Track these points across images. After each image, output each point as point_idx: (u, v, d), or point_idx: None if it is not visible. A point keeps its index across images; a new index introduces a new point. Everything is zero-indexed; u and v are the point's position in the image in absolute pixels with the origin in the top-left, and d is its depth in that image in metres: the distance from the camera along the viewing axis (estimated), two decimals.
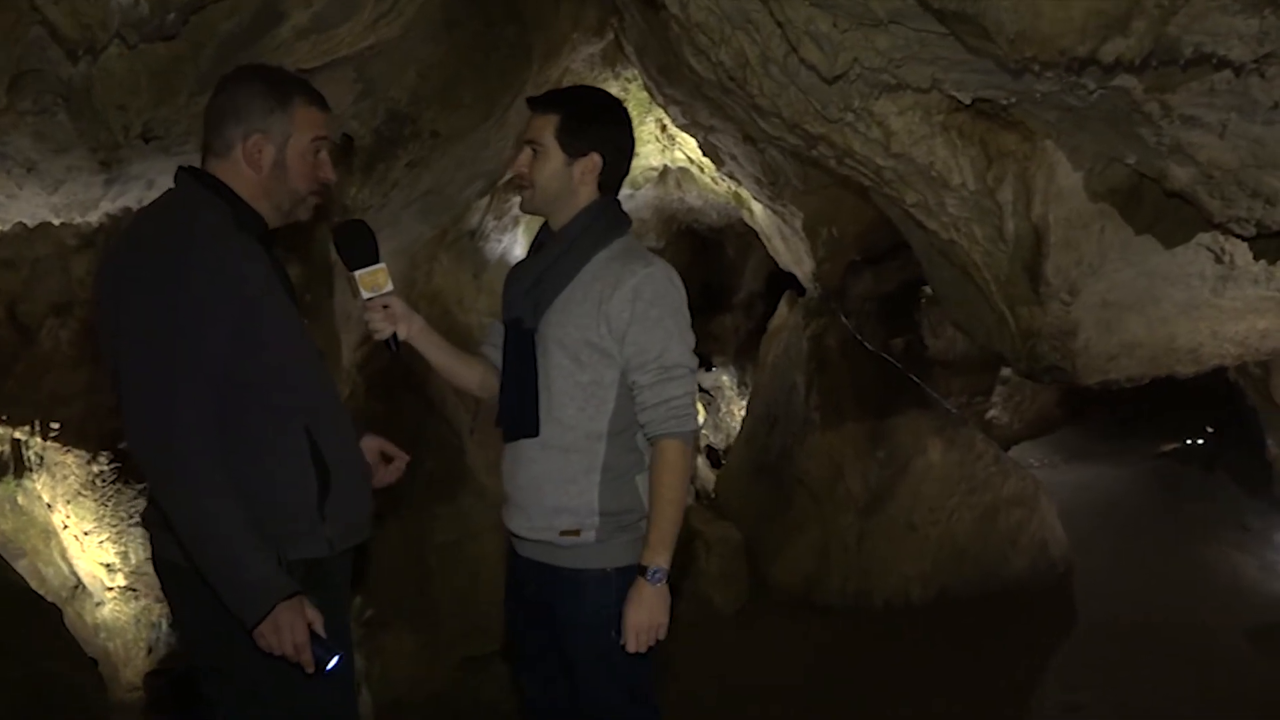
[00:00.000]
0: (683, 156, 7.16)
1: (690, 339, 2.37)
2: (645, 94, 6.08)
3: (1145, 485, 7.87)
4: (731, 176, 6.37)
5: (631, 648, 2.28)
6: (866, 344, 6.86)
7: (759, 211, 6.93)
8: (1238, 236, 3.66)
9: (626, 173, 2.55)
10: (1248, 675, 4.84)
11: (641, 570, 2.28)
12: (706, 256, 9.92)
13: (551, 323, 2.34)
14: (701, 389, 10.29)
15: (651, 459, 2.34)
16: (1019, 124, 3.54)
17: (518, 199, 2.87)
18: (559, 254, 2.39)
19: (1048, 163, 3.60)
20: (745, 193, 6.67)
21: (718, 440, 9.83)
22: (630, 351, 2.29)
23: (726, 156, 5.97)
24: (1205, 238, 3.72)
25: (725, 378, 10.28)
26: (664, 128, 6.84)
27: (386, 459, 2.56)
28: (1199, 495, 7.52)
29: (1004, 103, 3.38)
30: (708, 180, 7.26)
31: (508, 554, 2.58)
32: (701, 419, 10.21)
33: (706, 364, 10.20)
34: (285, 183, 2.22)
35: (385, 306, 2.34)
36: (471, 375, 2.55)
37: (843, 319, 6.71)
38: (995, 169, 3.61)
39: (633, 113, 7.06)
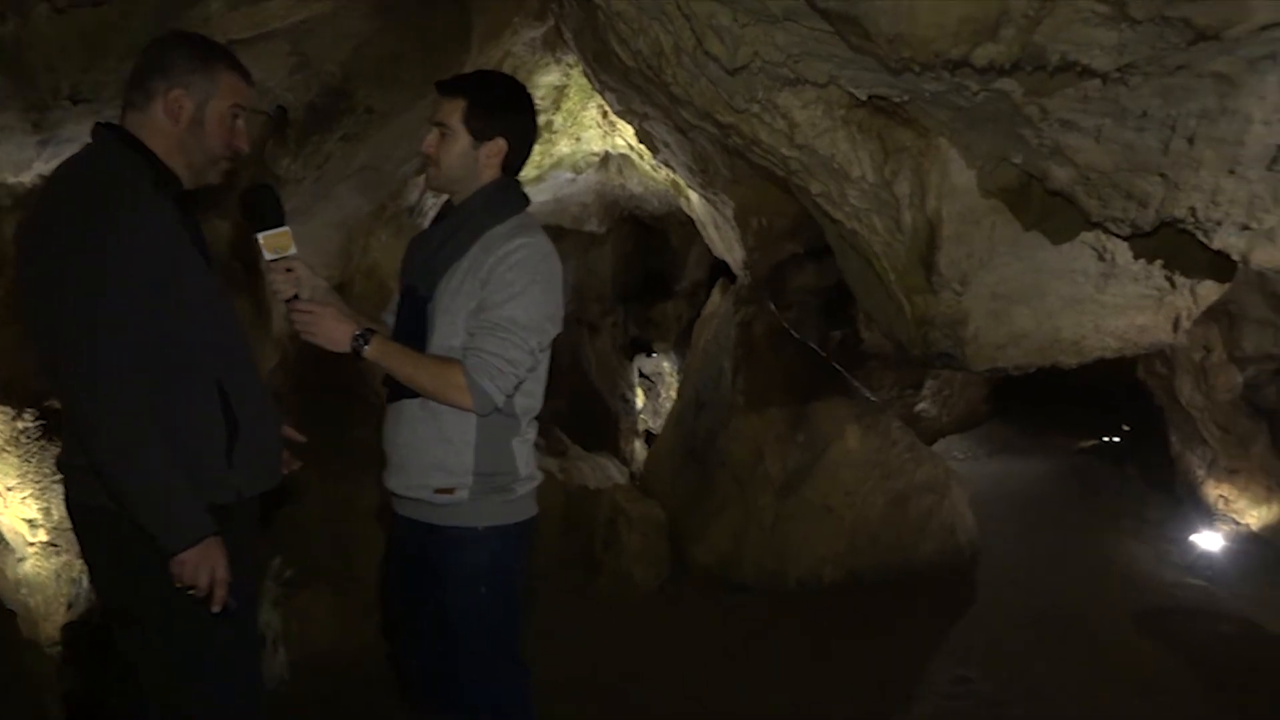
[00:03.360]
0: (623, 143, 7.30)
1: (537, 314, 2.41)
2: (586, 79, 6.22)
3: (1060, 479, 8.17)
4: (667, 164, 6.53)
5: (300, 310, 2.39)
6: (795, 333, 7.06)
7: (695, 200, 7.10)
8: (1117, 236, 3.90)
9: (528, 156, 2.70)
10: (1131, 656, 5.09)
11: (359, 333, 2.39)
12: (650, 244, 10.10)
13: (443, 291, 2.47)
14: (642, 374, 10.49)
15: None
16: (914, 121, 3.74)
17: None
18: (457, 227, 2.54)
19: (941, 159, 3.80)
20: (682, 181, 6.83)
21: (657, 425, 10.02)
22: (480, 305, 2.41)
23: (660, 144, 6.13)
24: (1088, 236, 3.95)
25: (666, 364, 10.48)
26: (605, 113, 6.97)
27: (290, 445, 2.64)
28: (1107, 489, 7.83)
29: (898, 100, 3.58)
30: (647, 168, 7.42)
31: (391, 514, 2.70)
32: (641, 404, 10.40)
33: (647, 350, 10.39)
34: (201, 141, 2.32)
35: (289, 270, 2.45)
36: None
37: (771, 307, 6.91)
38: (892, 163, 3.81)
39: (574, 98, 7.22)
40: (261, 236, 2.45)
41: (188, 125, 2.29)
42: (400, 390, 2.50)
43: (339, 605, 4.86)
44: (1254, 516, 6.66)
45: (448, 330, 2.44)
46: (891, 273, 4.13)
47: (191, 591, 2.14)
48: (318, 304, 2.43)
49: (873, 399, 6.97)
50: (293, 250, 2.48)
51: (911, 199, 3.89)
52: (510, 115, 2.57)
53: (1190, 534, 6.74)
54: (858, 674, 4.85)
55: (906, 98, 3.56)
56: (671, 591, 6.02)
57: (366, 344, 2.38)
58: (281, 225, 2.47)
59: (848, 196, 4.00)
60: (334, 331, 2.39)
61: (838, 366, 6.96)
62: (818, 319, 8.85)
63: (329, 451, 4.89)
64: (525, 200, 2.63)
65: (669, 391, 10.28)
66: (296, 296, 2.48)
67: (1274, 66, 3.06)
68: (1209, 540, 6.63)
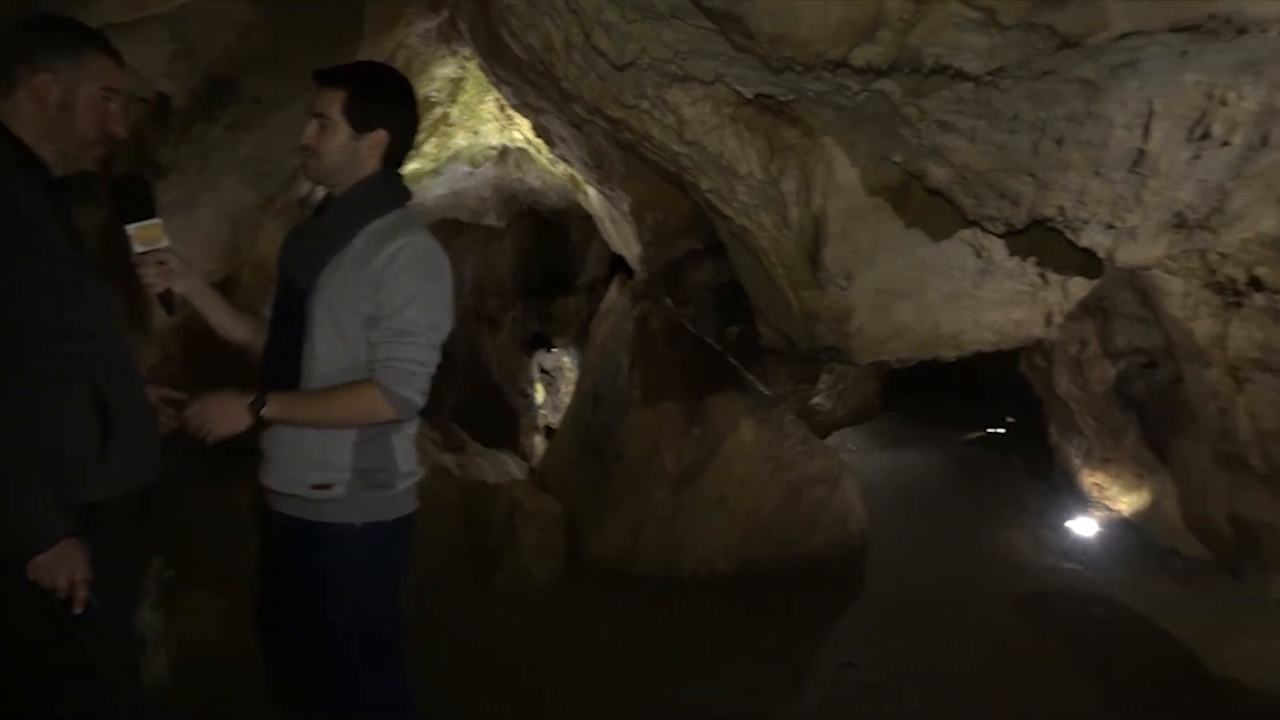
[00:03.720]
0: (521, 137, 7.28)
1: (437, 313, 2.44)
2: (482, 73, 6.18)
3: (947, 469, 8.44)
4: (564, 159, 6.54)
5: (189, 418, 2.36)
6: (692, 328, 7.14)
7: (593, 195, 7.12)
8: (992, 233, 4.05)
9: (411, 148, 2.67)
10: (1009, 639, 5.29)
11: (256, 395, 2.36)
12: (550, 239, 10.09)
13: (322, 285, 2.41)
14: (542, 370, 10.46)
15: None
16: (800, 120, 3.82)
17: None
18: (337, 219, 2.50)
19: (826, 158, 3.90)
20: (579, 176, 6.85)
21: (557, 420, 10.02)
22: (374, 311, 2.38)
23: (557, 139, 6.14)
24: (966, 234, 4.09)
25: (566, 359, 10.48)
26: (502, 107, 6.94)
27: (171, 404, 2.58)
28: (991, 478, 8.12)
29: (784, 99, 3.66)
30: (545, 162, 7.41)
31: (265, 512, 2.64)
32: (541, 399, 10.38)
33: (547, 345, 10.37)
34: (72, 126, 2.24)
35: (161, 263, 2.39)
36: (242, 331, 2.64)
37: (667, 302, 6.97)
38: (779, 161, 3.89)
39: (471, 91, 7.15)
40: (131, 228, 2.38)
41: (56, 110, 2.22)
42: (275, 385, 2.46)
43: (224, 606, 4.74)
44: (1125, 503, 6.97)
45: (326, 323, 2.41)
46: (780, 268, 4.22)
47: (51, 593, 2.08)
48: (199, 398, 2.38)
49: (768, 393, 7.09)
50: (165, 243, 2.41)
51: (798, 196, 3.97)
52: (391, 107, 2.54)
53: (1066, 520, 7.03)
54: (750, 664, 4.93)
55: (791, 97, 3.63)
56: (569, 586, 6.03)
57: (264, 406, 2.35)
58: (153, 217, 2.40)
59: (737, 193, 4.06)
60: (228, 415, 2.35)
61: (733, 361, 7.05)
62: (715, 314, 8.94)
63: (214, 450, 4.79)
64: (407, 194, 2.60)
65: (569, 386, 10.28)
66: (169, 290, 2.42)
67: (1133, 74, 3.22)
68: (1084, 526, 6.93)
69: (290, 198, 6.22)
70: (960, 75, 3.15)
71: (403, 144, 2.59)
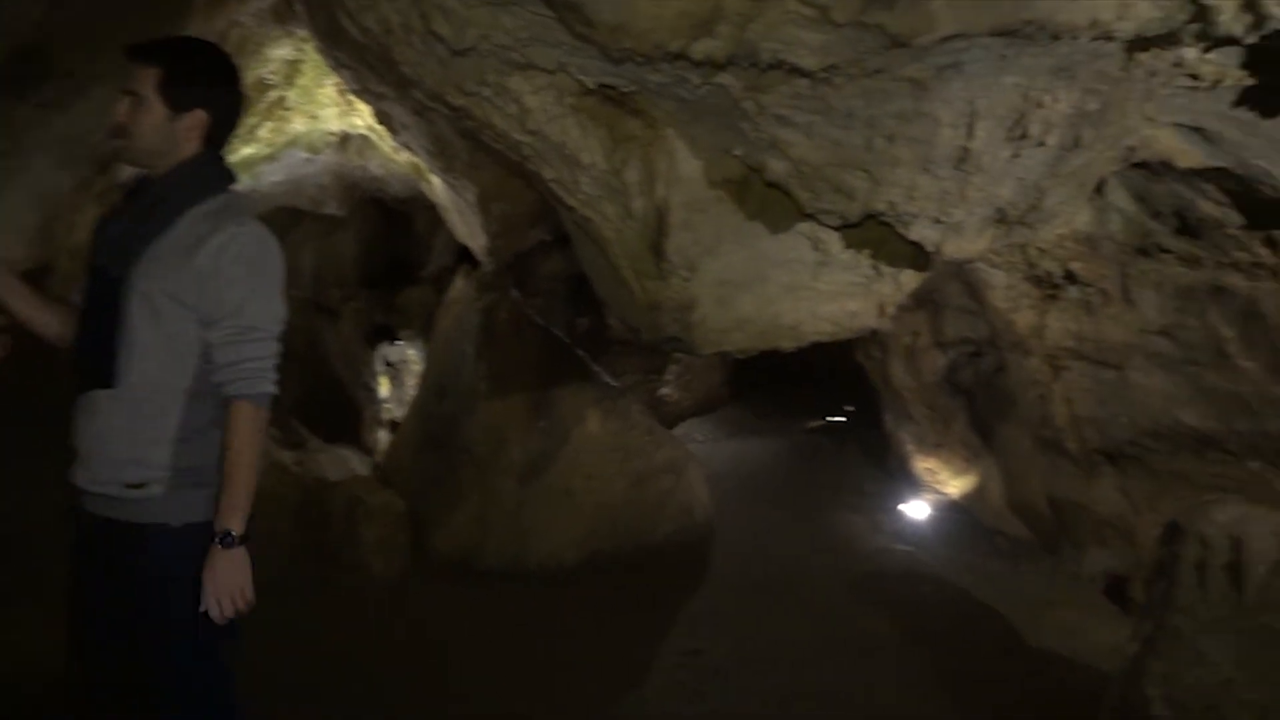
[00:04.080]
0: (362, 123, 7.07)
1: (277, 304, 2.36)
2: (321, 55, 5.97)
3: (790, 457, 8.68)
4: (407, 147, 6.38)
5: (215, 615, 2.27)
6: (541, 320, 7.11)
7: (438, 184, 6.99)
8: (828, 226, 4.17)
9: (233, 130, 2.54)
10: (845, 618, 5.49)
11: (214, 536, 2.29)
12: (394, 228, 9.86)
13: (139, 274, 2.27)
14: (387, 363, 10.21)
15: (225, 420, 2.33)
16: (643, 112, 3.83)
17: None
18: (154, 204, 2.35)
19: (669, 149, 3.92)
20: (423, 164, 6.70)
21: (401, 414, 9.80)
22: (208, 308, 2.28)
23: (399, 126, 5.99)
24: (804, 227, 4.19)
25: (411, 352, 10.25)
26: (343, 91, 6.72)
27: None
28: (831, 466, 8.40)
29: (626, 90, 3.66)
30: (388, 149, 7.22)
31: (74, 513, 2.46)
32: (385, 392, 10.13)
33: (392, 337, 10.13)
34: None
35: None
36: (52, 324, 2.47)
37: (514, 293, 6.92)
38: (621, 151, 3.89)
39: (309, 74, 6.90)
40: None
41: None
42: (90, 379, 2.30)
43: (46, 620, 4.45)
44: (954, 486, 7.32)
45: (143, 313, 2.27)
46: (623, 259, 4.23)
47: None
48: (205, 591, 2.29)
49: (616, 384, 7.12)
50: None
51: (641, 187, 3.99)
52: (211, 86, 2.41)
53: (900, 504, 7.34)
54: (598, 653, 4.96)
55: (634, 88, 3.64)
56: (414, 582, 5.92)
57: (233, 533, 2.30)
58: None
59: (580, 183, 4.05)
60: (235, 577, 2.31)
61: (581, 353, 7.06)
62: (564, 306, 8.95)
63: (32, 454, 4.49)
64: (230, 177, 2.47)
65: (414, 380, 10.08)
66: None
67: (958, 75, 3.36)
68: (916, 509, 7.25)
69: (110, 180, 5.87)
70: (796, 71, 3.22)
71: (224, 125, 2.47)
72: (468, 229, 7.07)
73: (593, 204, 4.13)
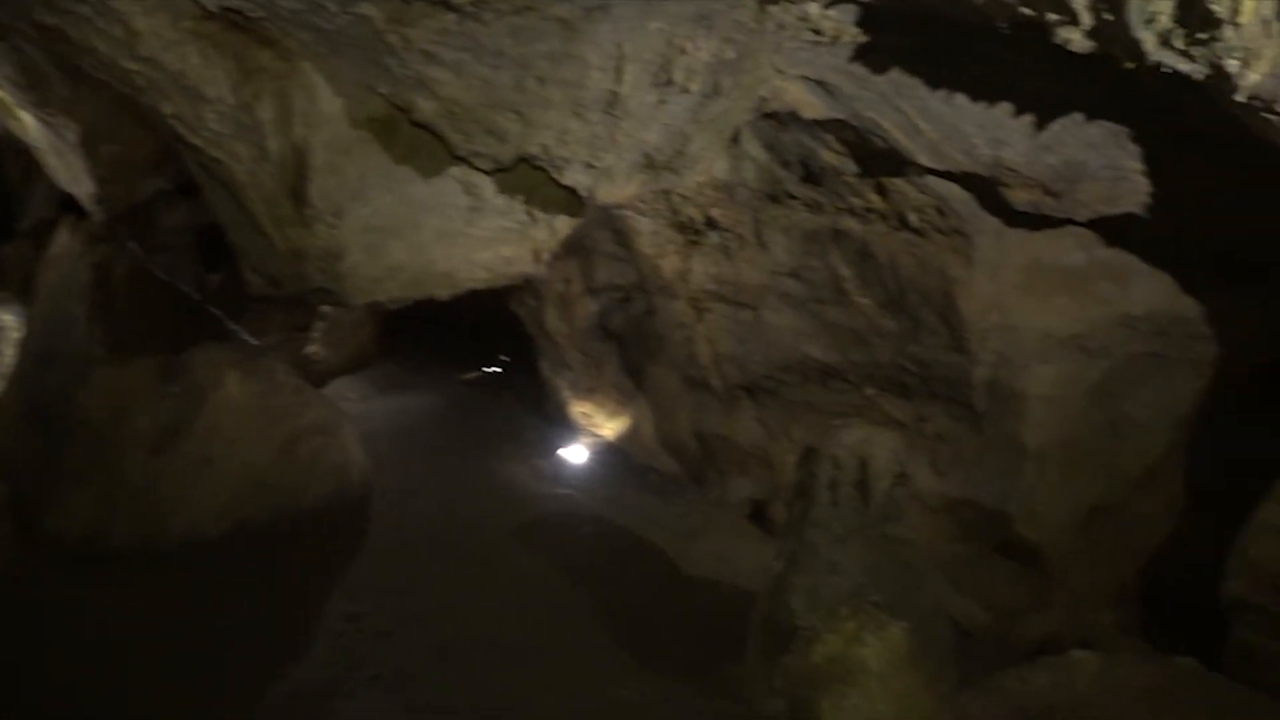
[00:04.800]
0: None
1: None
2: None
3: (447, 410, 8.55)
4: None
5: None
6: (165, 276, 6.46)
7: (30, 122, 6.09)
8: (481, 171, 4.06)
9: None
10: (508, 566, 5.51)
11: None
12: None
13: None
14: None
15: None
16: (276, 42, 3.52)
17: None
18: None
19: (307, 85, 3.64)
20: (8, 98, 5.80)
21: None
22: None
23: None
24: (456, 171, 4.06)
25: (8, 316, 8.98)
26: None
27: None
28: (489, 416, 8.38)
29: (254, 15, 3.33)
30: None
31: None
32: None
33: None
34: None
35: None
36: None
37: (133, 247, 6.22)
38: (252, 85, 3.56)
39: None
40: None
41: None
42: None
43: None
44: (609, 428, 7.55)
45: None
46: (260, 204, 3.89)
47: None
48: None
49: (256, 343, 6.64)
50: None
51: (276, 125, 3.68)
52: None
53: (559, 449, 7.47)
54: (253, 627, 4.63)
55: (263, 14, 3.33)
56: (22, 570, 5.20)
57: None
58: None
59: (205, 120, 3.66)
60: None
61: (216, 311, 6.50)
62: (192, 261, 8.19)
63: None
64: None
65: (13, 348, 8.84)
66: None
67: (605, 17, 3.37)
68: (574, 453, 7.41)
69: None
70: (444, 4, 3.08)
71: None
72: (70, 174, 6.23)
73: (221, 144, 3.76)
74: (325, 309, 8.91)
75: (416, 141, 3.90)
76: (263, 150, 3.73)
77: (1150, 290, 5.38)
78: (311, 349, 9.25)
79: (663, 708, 4.23)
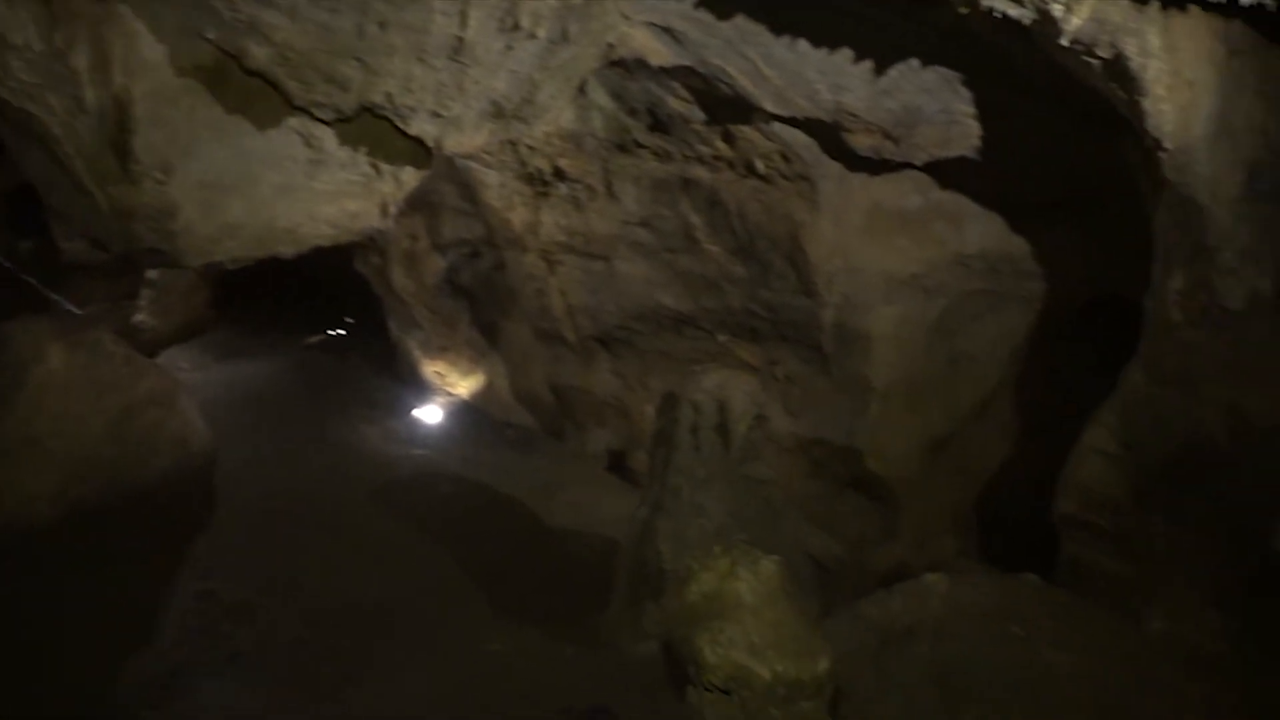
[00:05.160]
0: None
1: None
2: None
3: (291, 377, 8.24)
4: None
5: None
6: None
7: None
8: (321, 121, 3.89)
9: None
10: (367, 530, 5.39)
11: None
12: None
13: None
14: None
15: None
16: None
17: None
18: None
19: (125, 30, 3.38)
20: None
21: None
22: None
23: None
24: (294, 122, 3.86)
25: None
26: None
27: None
28: (337, 380, 8.13)
29: None
30: None
31: None
32: None
33: None
34: None
35: None
36: None
37: None
38: (65, 31, 3.28)
39: None
40: None
41: None
42: None
43: None
44: (464, 386, 7.45)
45: None
46: (79, 160, 3.61)
47: None
48: None
49: (79, 313, 6.22)
50: None
51: (93, 75, 3.41)
52: None
53: (413, 410, 7.32)
54: (94, 612, 4.37)
55: None
56: None
57: None
58: None
59: (12, 69, 3.36)
60: None
61: (32, 281, 6.06)
62: (2, 226, 7.65)
63: None
64: None
65: None
66: None
67: None
68: (429, 413, 7.28)
69: None
70: None
71: None
72: None
73: (32, 95, 3.46)
74: (153, 275, 8.43)
75: (250, 91, 3.69)
76: (79, 102, 3.46)
77: (982, 231, 5.65)
78: (139, 317, 8.74)
79: (532, 659, 4.23)
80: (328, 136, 3.99)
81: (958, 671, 3.21)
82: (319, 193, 4.14)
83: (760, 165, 5.35)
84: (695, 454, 4.18)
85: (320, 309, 9.54)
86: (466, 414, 7.27)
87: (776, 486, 4.56)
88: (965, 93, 4.65)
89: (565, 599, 4.71)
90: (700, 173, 5.55)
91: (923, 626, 3.43)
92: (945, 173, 5.34)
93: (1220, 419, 4.09)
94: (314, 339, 9.33)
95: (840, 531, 6.18)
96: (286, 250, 4.20)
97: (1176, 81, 3.71)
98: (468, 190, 6.55)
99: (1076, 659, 3.51)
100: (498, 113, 4.14)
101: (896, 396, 6.00)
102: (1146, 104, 3.75)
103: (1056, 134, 4.71)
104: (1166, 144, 3.83)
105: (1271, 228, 3.90)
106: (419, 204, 6.76)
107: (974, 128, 4.87)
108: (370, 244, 7.11)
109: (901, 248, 5.67)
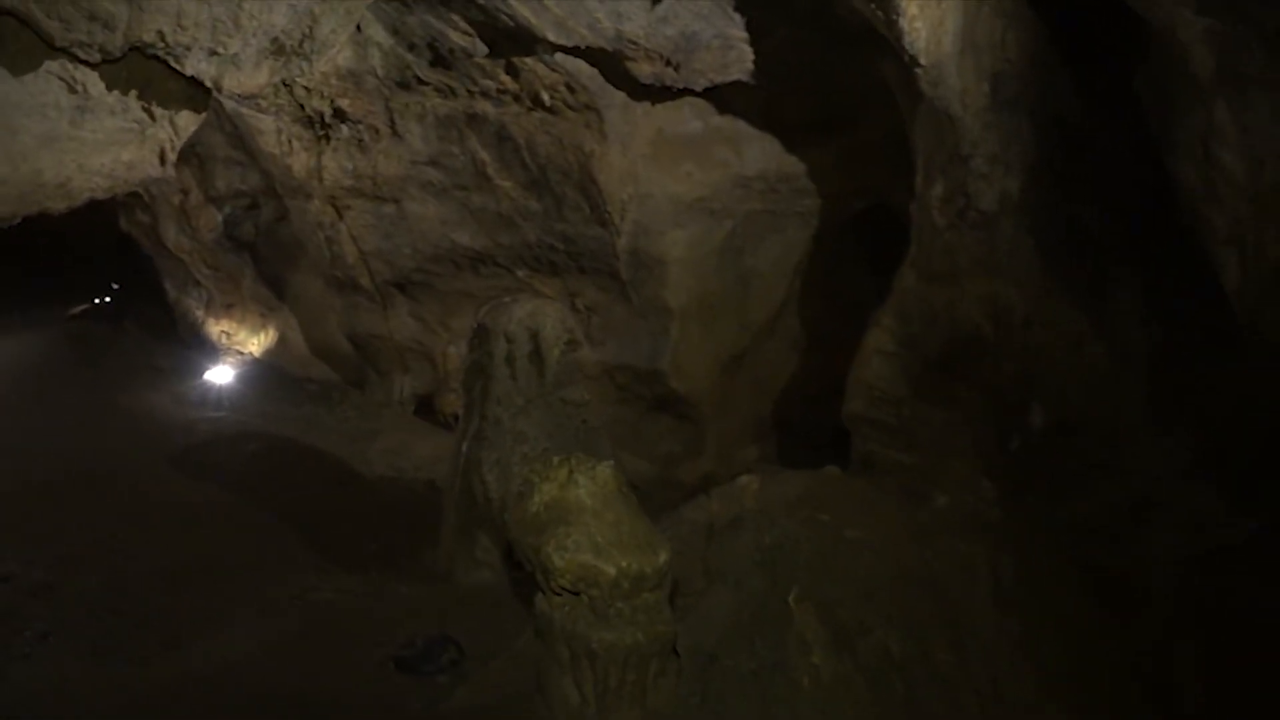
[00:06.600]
0: None
1: None
2: None
3: (60, 350, 7.71)
4: None
5: None
6: None
7: None
8: (86, 64, 3.64)
9: None
10: (168, 498, 5.17)
11: None
12: None
13: None
14: None
15: None
16: None
17: None
18: None
19: None
20: None
21: None
22: None
23: None
24: (55, 66, 3.59)
25: None
26: None
27: None
28: (112, 349, 7.67)
29: None
30: None
31: None
32: None
33: None
34: None
35: None
36: None
37: None
38: None
39: None
40: None
41: None
42: None
43: None
44: (254, 344, 7.19)
45: None
46: None
47: None
48: None
49: None
50: None
51: None
52: None
53: (204, 373, 7.00)
54: None
55: None
56: None
57: None
58: None
59: None
60: None
61: None
62: None
63: None
64: None
65: None
66: None
67: None
68: (220, 374, 6.98)
69: None
70: None
71: None
72: None
73: None
74: None
75: (2, 33, 3.41)
76: None
77: (759, 152, 5.93)
78: None
79: (363, 599, 4.22)
80: (94, 80, 3.74)
81: (779, 556, 3.47)
82: (88, 142, 3.88)
83: (546, 97, 5.40)
84: (512, 383, 4.25)
85: (81, 275, 8.91)
86: (261, 372, 7.04)
87: (593, 408, 4.69)
88: (738, 17, 4.86)
89: (393, 541, 4.71)
90: (486, 107, 5.55)
91: (743, 521, 3.67)
92: (723, 98, 5.56)
93: (982, 311, 4.54)
94: (79, 308, 8.72)
95: (649, 452, 6.44)
96: (57, 205, 3.93)
97: (927, 1, 4.03)
98: (239, 139, 6.27)
99: (876, 536, 3.87)
100: (278, 49, 4.00)
101: (692, 318, 6.26)
102: (903, 23, 4.05)
103: (822, 56, 5.00)
104: (922, 60, 4.16)
105: (1015, 134, 4.32)
106: (185, 155, 6.40)
107: (747, 53, 5.09)
108: (136, 200, 6.70)
109: (687, 172, 5.88)
